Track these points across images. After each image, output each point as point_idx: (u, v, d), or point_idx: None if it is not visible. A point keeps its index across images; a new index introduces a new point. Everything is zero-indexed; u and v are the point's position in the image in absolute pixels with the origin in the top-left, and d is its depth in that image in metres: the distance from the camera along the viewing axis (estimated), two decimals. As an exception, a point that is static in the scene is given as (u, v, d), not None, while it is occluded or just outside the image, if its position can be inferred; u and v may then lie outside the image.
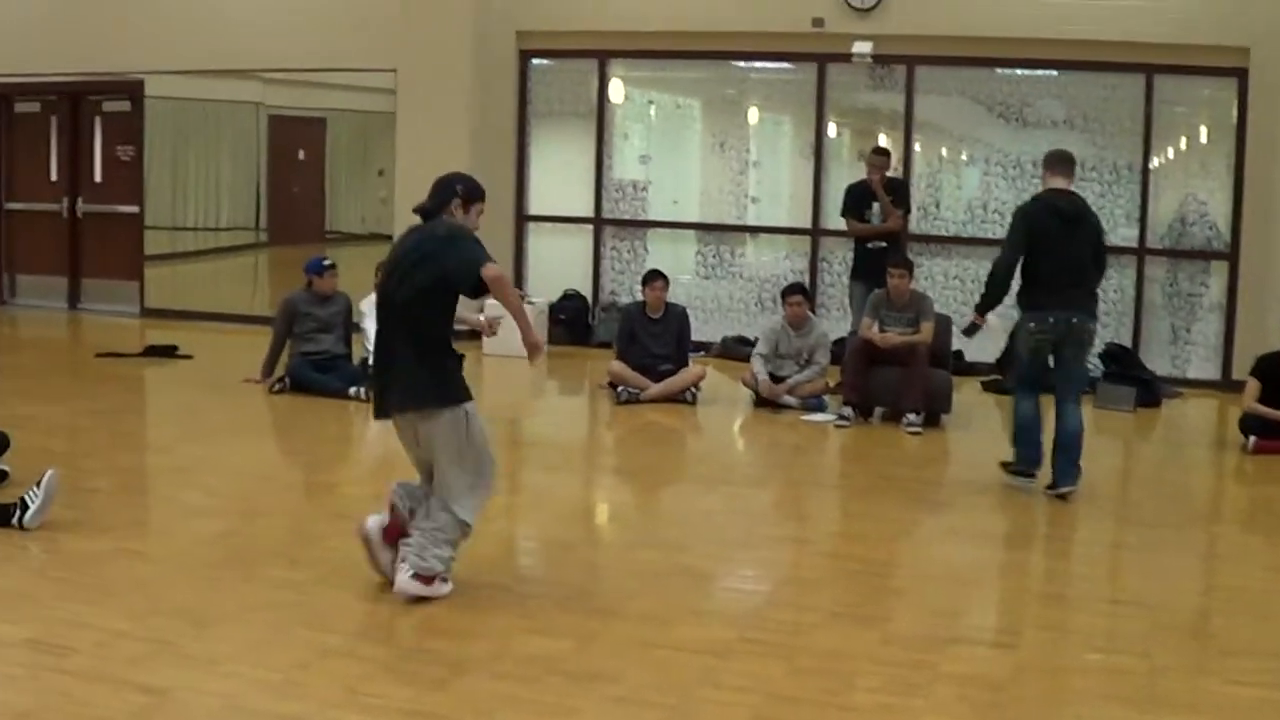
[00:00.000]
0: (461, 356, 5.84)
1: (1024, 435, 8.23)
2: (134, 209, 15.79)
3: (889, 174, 12.14)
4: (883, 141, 13.74)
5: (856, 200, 12.11)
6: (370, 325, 11.18)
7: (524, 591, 6.00)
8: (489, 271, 5.63)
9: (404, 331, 5.77)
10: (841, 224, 12.48)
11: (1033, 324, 8.08)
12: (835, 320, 13.45)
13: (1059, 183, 8.21)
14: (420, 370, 5.74)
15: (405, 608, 5.57)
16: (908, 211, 12.38)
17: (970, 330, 8.57)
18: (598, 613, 5.70)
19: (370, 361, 10.78)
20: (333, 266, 11.21)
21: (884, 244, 11.80)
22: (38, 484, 6.60)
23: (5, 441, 7.54)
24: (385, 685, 4.83)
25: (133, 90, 15.58)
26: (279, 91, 15.41)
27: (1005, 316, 9.14)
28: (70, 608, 5.52)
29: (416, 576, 5.66)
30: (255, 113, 15.50)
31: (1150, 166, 13.08)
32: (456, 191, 5.86)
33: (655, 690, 4.84)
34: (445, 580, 5.74)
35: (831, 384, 11.01)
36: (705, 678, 4.98)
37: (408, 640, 5.30)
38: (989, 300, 8.32)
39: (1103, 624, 5.83)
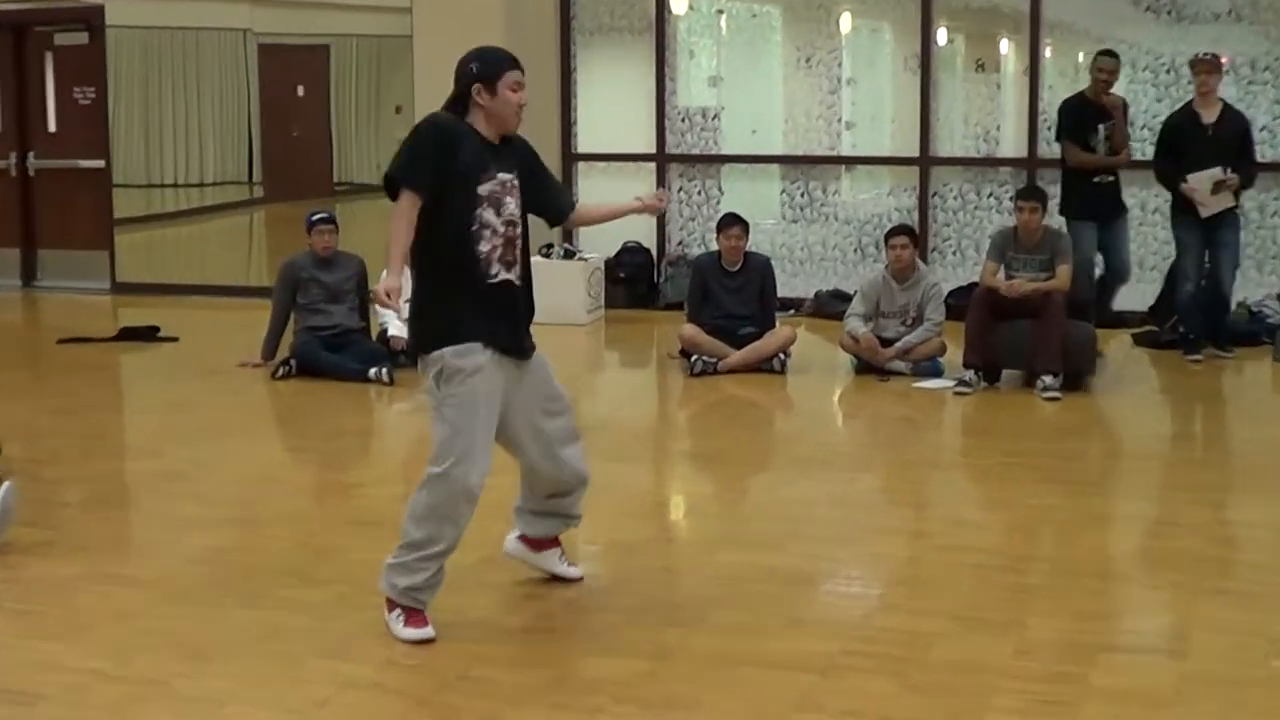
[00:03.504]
0: (463, 291, 5.51)
1: None
2: (99, 163, 15.76)
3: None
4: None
5: (1080, 120, 11.66)
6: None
7: (586, 604, 6.05)
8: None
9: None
10: (967, 150, 12.28)
11: None
12: (951, 268, 13.42)
13: None
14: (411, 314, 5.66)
15: (443, 630, 5.58)
16: (1128, 139, 12.04)
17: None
18: (674, 627, 5.75)
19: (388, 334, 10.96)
20: (326, 220, 11.08)
21: (1111, 177, 11.62)
22: (-8, 498, 6.66)
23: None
24: (422, 722, 4.90)
25: (90, 18, 15.51)
26: (270, 15, 15.43)
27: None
28: (37, 646, 5.60)
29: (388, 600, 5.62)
30: (241, 41, 15.56)
31: (1336, 61, 12.95)
32: (472, 72, 5.59)
33: (744, 717, 4.89)
34: (409, 618, 5.55)
35: (948, 343, 10.99)
36: (804, 701, 5.03)
37: (448, 669, 5.33)
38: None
39: (1288, 624, 5.83)
